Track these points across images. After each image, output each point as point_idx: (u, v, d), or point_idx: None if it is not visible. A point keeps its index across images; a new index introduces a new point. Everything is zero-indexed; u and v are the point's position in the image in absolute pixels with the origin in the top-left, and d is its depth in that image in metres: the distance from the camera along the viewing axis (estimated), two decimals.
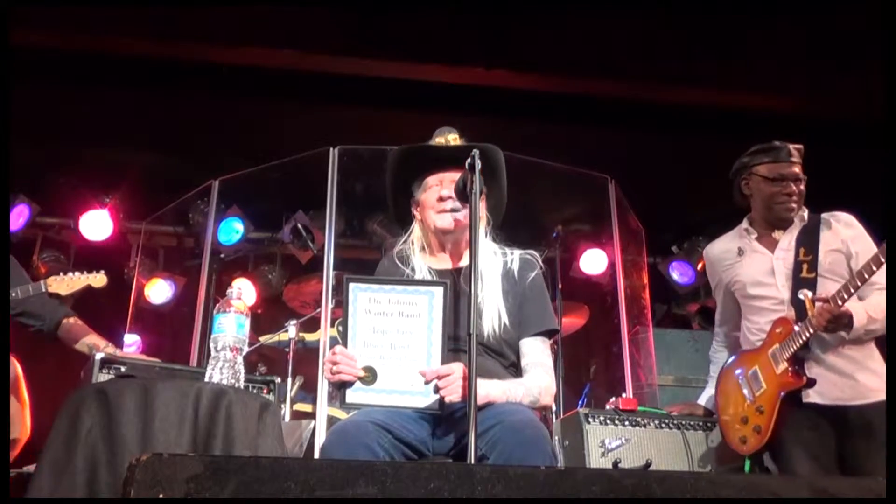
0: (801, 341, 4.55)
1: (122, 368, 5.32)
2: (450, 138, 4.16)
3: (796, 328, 4.61)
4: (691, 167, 8.33)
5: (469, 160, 3.69)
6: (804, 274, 4.75)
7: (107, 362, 5.38)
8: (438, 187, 4.07)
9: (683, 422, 5.74)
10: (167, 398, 3.38)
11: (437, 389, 3.62)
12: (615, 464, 5.42)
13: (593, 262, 8.97)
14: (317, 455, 4.01)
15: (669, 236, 9.01)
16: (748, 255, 5.06)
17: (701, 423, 5.73)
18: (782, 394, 4.61)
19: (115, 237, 8.99)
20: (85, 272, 5.21)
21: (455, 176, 3.94)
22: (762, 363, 4.76)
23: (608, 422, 5.67)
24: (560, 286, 7.19)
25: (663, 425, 5.74)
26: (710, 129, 8.04)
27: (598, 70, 7.54)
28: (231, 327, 3.71)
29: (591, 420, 5.60)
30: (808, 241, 4.83)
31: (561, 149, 7.52)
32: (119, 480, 3.23)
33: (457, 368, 3.61)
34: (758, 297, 4.95)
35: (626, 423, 5.70)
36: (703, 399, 5.64)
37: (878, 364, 4.70)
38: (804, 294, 4.60)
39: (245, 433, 3.37)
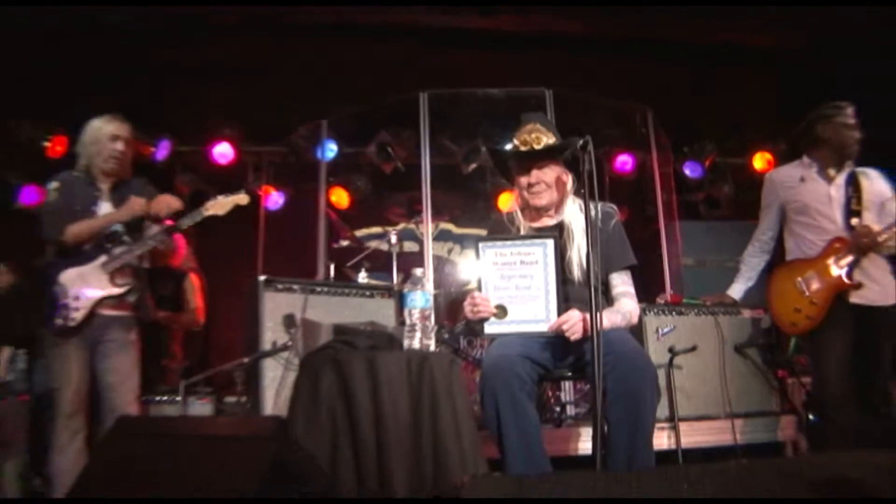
0: (854, 254, 5.02)
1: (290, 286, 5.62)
2: (531, 139, 4.26)
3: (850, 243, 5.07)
4: (698, 91, 8.42)
5: (581, 142, 3.82)
6: (854, 206, 5.13)
7: (270, 282, 5.59)
8: (527, 177, 4.32)
9: (715, 309, 6.04)
10: (388, 364, 3.57)
11: (561, 332, 3.94)
12: (671, 349, 5.62)
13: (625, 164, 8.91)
14: None
15: (682, 141, 8.97)
16: (809, 182, 5.31)
17: (728, 310, 6.06)
18: (835, 293, 5.02)
19: (235, 161, 9.05)
20: (230, 194, 5.29)
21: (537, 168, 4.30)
22: (819, 269, 5.09)
23: (661, 313, 5.92)
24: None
25: (700, 313, 6.04)
26: (712, 62, 8.05)
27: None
28: (420, 301, 3.87)
29: (647, 313, 5.83)
30: (855, 183, 5.19)
31: (605, 81, 7.51)
32: (357, 434, 3.45)
33: (574, 315, 3.91)
34: (818, 214, 5.22)
35: (674, 313, 5.95)
36: (733, 291, 5.77)
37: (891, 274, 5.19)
38: (855, 222, 5.08)
39: (444, 390, 3.54)
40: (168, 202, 5.08)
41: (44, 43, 7.86)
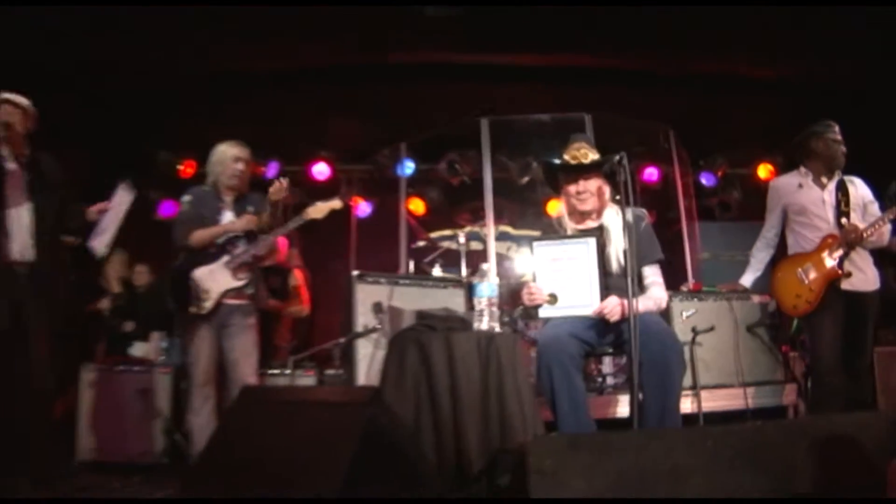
0: (844, 248, 4.99)
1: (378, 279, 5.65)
2: (579, 154, 4.28)
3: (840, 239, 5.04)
4: (710, 113, 8.37)
5: (617, 158, 3.96)
6: (843, 208, 5.11)
7: (361, 276, 5.64)
8: (575, 186, 4.31)
9: (729, 295, 5.96)
10: (462, 343, 3.59)
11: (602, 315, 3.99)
12: (693, 328, 5.58)
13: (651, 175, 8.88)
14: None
15: (698, 155, 8.93)
16: (806, 188, 5.28)
17: (740, 296, 5.97)
18: (829, 281, 5.00)
19: (331, 177, 9.14)
20: (327, 200, 5.32)
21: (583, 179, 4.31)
22: (815, 261, 5.07)
23: (684, 299, 5.87)
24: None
25: (717, 299, 5.96)
26: (721, 89, 7.99)
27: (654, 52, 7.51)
28: (487, 291, 3.89)
29: (673, 299, 5.75)
30: (843, 189, 5.16)
31: (634, 106, 7.46)
32: (437, 400, 3.47)
33: (613, 300, 3.96)
34: (813, 215, 5.20)
35: (695, 299, 5.90)
36: (744, 280, 5.73)
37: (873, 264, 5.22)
38: (844, 221, 5.05)
39: (508, 364, 3.56)
40: (279, 187, 5.11)
41: (180, 87, 8.05)
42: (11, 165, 4.65)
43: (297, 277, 7.55)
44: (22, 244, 4.58)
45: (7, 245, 4.53)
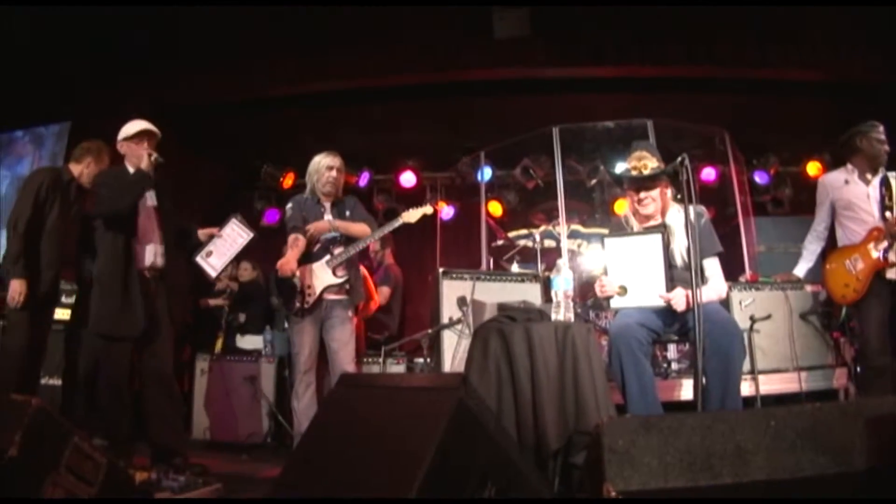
0: (888, 240, 4.83)
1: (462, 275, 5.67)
2: (639, 165, 4.24)
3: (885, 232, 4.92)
4: (762, 116, 8.20)
5: (679, 160, 3.81)
6: (887, 202, 4.96)
7: (446, 273, 5.65)
8: (637, 194, 4.28)
9: (784, 285, 5.82)
10: (540, 332, 3.57)
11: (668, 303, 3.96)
12: (751, 317, 5.46)
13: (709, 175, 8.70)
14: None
15: (751, 155, 8.74)
16: (852, 184, 5.18)
17: (794, 286, 5.82)
18: (875, 271, 4.87)
19: (417, 185, 9.19)
20: (420, 206, 5.33)
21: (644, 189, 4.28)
22: (862, 253, 4.94)
23: (743, 289, 5.77)
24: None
25: (773, 288, 5.82)
26: (772, 93, 7.78)
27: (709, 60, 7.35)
28: (563, 284, 3.86)
29: (733, 289, 5.66)
30: (887, 185, 5.02)
31: (692, 113, 7.33)
32: (518, 385, 3.45)
33: (679, 291, 3.94)
34: (859, 210, 5.09)
35: (753, 289, 5.80)
36: (798, 270, 5.61)
37: None
38: (888, 215, 4.91)
39: (583, 351, 3.53)
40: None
41: (277, 108, 8.19)
42: None
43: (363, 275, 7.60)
44: (153, 253, 4.71)
45: (141, 253, 4.66)
